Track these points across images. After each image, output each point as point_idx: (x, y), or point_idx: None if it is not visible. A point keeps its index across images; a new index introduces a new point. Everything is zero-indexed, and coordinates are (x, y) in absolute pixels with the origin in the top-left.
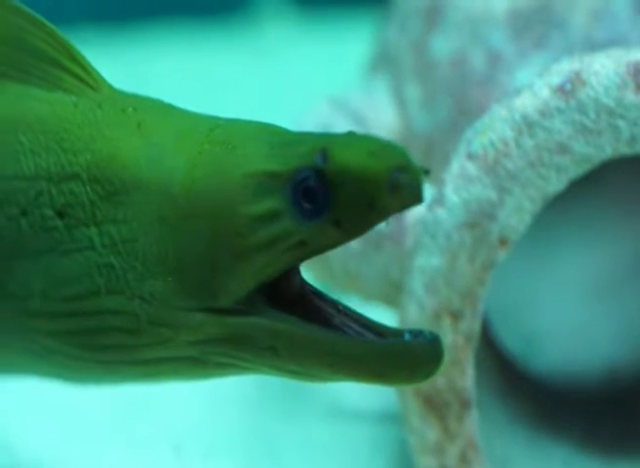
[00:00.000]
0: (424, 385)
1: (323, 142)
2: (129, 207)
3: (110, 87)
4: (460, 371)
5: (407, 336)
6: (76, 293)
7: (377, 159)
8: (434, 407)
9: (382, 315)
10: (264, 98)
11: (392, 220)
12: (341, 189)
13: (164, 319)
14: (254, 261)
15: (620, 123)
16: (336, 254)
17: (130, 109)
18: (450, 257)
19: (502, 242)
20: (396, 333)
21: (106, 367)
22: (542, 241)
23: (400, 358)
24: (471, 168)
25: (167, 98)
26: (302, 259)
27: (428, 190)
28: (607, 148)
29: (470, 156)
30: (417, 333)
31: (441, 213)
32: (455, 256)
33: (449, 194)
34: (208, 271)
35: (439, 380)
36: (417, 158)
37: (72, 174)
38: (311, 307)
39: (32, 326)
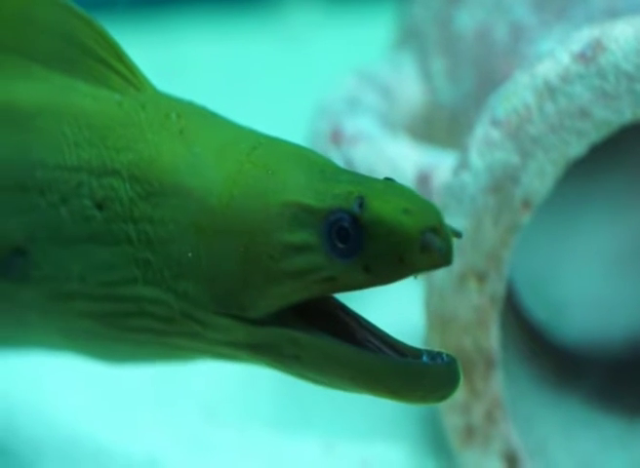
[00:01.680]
0: (451, 346)
1: (361, 188)
2: (166, 209)
3: (154, 88)
4: (486, 332)
5: (425, 358)
6: (113, 280)
7: (412, 218)
8: (461, 366)
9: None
10: (291, 82)
11: (419, 186)
12: (374, 239)
13: (195, 315)
14: (283, 286)
15: None
16: None
17: (173, 115)
18: (475, 220)
19: (526, 205)
20: (415, 353)
21: (138, 347)
22: (567, 214)
23: (417, 379)
24: (495, 133)
25: (195, 82)
26: (330, 292)
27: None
28: (626, 112)
29: (494, 122)
30: (435, 355)
31: (466, 177)
32: (479, 219)
33: (473, 159)
34: (238, 285)
35: (466, 341)
36: (441, 131)
37: (113, 170)
38: (335, 320)
39: (68, 307)
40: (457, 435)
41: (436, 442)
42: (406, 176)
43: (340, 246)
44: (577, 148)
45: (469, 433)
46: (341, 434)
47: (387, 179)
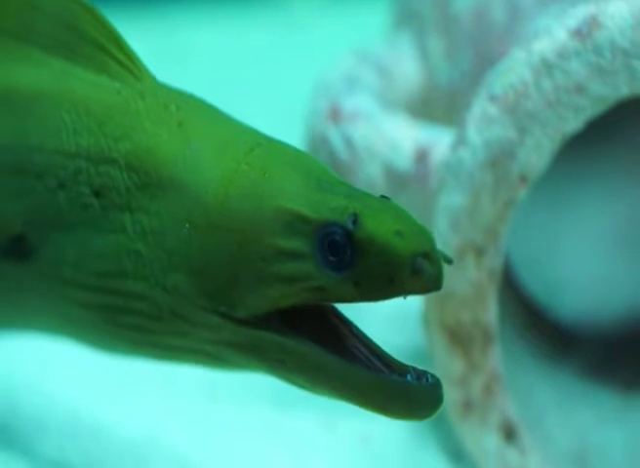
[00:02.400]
0: (450, 320)
1: (357, 205)
2: (162, 201)
3: (153, 78)
4: (484, 307)
5: (410, 377)
6: (105, 271)
7: (404, 241)
8: (459, 341)
9: None
10: (292, 68)
11: (417, 163)
12: (366, 257)
13: (183, 313)
14: (272, 289)
15: (636, 63)
16: None
17: (173, 106)
18: (472, 196)
19: (523, 180)
20: (402, 369)
21: (129, 344)
22: (564, 194)
23: (400, 397)
24: (492, 109)
25: (195, 70)
26: (320, 302)
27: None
28: (623, 88)
29: (491, 98)
30: (420, 374)
31: (463, 152)
32: (477, 195)
33: (471, 134)
34: (229, 282)
35: (464, 315)
36: (439, 111)
37: (111, 158)
38: (327, 325)
39: (64, 293)
40: (455, 408)
41: (435, 416)
42: (404, 154)
43: (332, 259)
44: (573, 124)
45: (468, 406)
46: (342, 411)
47: (383, 197)
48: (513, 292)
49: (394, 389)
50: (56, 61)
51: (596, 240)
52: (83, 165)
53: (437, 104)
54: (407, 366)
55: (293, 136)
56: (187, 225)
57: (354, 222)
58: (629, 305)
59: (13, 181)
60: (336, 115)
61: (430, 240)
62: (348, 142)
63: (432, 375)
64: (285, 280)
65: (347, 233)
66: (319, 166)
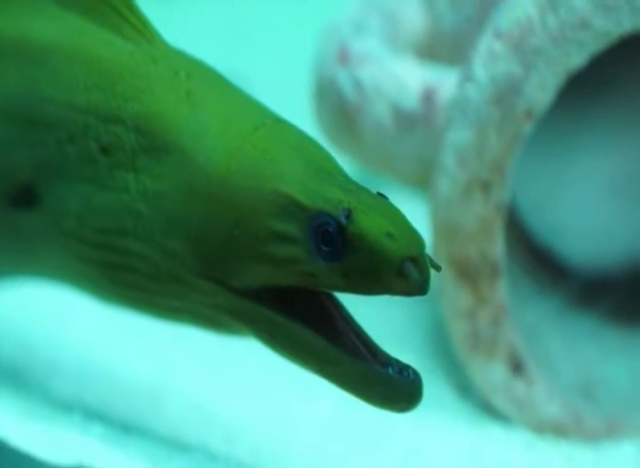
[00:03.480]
0: (458, 255)
1: (352, 200)
2: (166, 166)
3: (166, 44)
4: (491, 241)
5: (391, 370)
6: (106, 227)
7: (394, 243)
8: (467, 275)
9: None
10: (294, 34)
11: (424, 103)
12: (356, 253)
13: (181, 276)
14: (264, 267)
15: None
16: (370, 137)
17: (183, 74)
18: (479, 131)
19: (528, 115)
20: (384, 360)
21: (129, 301)
22: (567, 141)
23: (379, 387)
24: (498, 45)
25: (197, 37)
26: (309, 287)
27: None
28: (625, 23)
29: (497, 34)
30: (402, 368)
31: (470, 89)
32: (484, 130)
33: (477, 71)
34: (224, 253)
35: (471, 250)
36: (444, 58)
37: (119, 118)
38: (319, 306)
39: (66, 245)
40: (463, 342)
41: (441, 351)
42: (411, 93)
43: (324, 248)
44: (577, 59)
45: (475, 339)
46: None
47: (380, 195)
48: (518, 232)
49: (374, 379)
50: (71, 17)
51: (598, 187)
52: (92, 121)
53: (441, 50)
54: (391, 358)
55: (301, 80)
56: (187, 192)
57: (347, 217)
58: (631, 251)
59: (24, 131)
60: (344, 58)
61: (420, 245)
62: (357, 84)
63: (414, 371)
64: (276, 261)
65: (340, 226)
66: (322, 153)
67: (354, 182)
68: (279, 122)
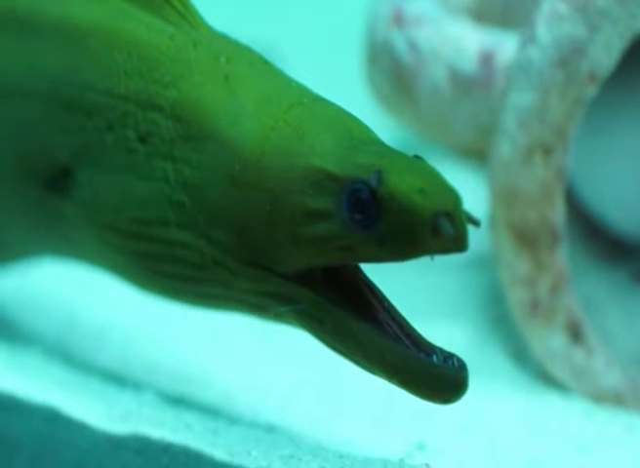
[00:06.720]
0: (517, 220)
1: (383, 162)
2: (203, 154)
3: (208, 27)
4: (552, 206)
5: (435, 358)
6: (146, 218)
7: (426, 199)
8: (526, 241)
9: None
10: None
11: (482, 66)
12: (389, 215)
13: (226, 263)
14: (303, 248)
15: None
16: (426, 101)
17: (223, 58)
18: (542, 94)
19: (592, 78)
20: (428, 349)
21: (166, 291)
22: (600, 121)
23: (424, 377)
24: (562, 6)
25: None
26: (349, 262)
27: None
28: None
29: None
30: (447, 356)
31: (533, 51)
32: (546, 93)
33: (541, 33)
34: (265, 239)
35: (531, 215)
36: (494, 23)
37: (158, 105)
38: (361, 297)
39: (104, 238)
40: (521, 309)
41: (497, 322)
42: (469, 56)
43: (357, 217)
44: None
45: (534, 307)
46: None
47: (416, 156)
48: (572, 202)
49: (420, 368)
50: None
51: (631, 166)
52: (131, 108)
53: (492, 13)
54: (435, 346)
55: (350, 46)
56: (227, 181)
57: (378, 179)
58: None
59: (63, 116)
60: (399, 20)
61: (455, 199)
62: (412, 46)
63: (459, 359)
64: (314, 241)
65: (372, 190)
66: (360, 126)
67: (390, 148)
68: (317, 100)
